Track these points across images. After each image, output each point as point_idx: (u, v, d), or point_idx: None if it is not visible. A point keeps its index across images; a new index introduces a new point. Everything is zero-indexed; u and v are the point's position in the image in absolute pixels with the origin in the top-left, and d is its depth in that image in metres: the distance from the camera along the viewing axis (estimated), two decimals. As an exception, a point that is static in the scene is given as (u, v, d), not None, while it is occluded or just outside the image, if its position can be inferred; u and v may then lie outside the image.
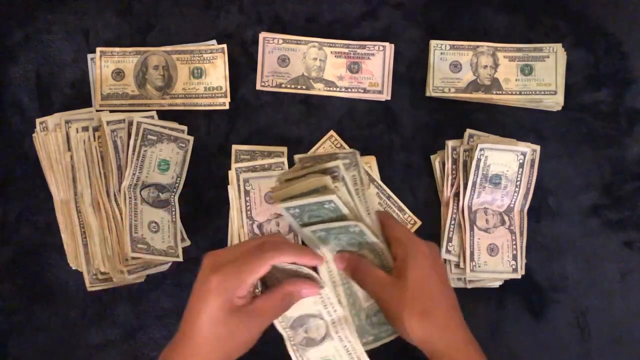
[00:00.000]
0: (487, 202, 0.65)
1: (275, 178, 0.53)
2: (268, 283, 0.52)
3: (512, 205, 0.66)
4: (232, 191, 0.66)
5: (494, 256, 0.65)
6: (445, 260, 0.66)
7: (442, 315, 0.50)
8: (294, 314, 0.52)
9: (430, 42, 0.70)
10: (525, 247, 0.66)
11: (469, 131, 0.67)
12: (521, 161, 0.65)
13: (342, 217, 0.49)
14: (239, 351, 0.48)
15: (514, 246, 0.65)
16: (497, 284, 0.66)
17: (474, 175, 0.64)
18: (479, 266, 0.64)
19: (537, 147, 0.67)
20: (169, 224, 0.65)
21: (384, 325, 0.55)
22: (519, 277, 0.65)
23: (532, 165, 0.66)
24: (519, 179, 0.65)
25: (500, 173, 0.64)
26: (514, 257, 0.65)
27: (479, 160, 0.64)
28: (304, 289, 0.50)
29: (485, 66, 0.69)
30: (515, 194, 0.65)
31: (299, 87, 0.69)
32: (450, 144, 0.66)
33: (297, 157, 0.54)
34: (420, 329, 0.49)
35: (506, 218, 0.66)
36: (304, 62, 0.69)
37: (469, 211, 0.65)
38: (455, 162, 0.66)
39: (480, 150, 0.63)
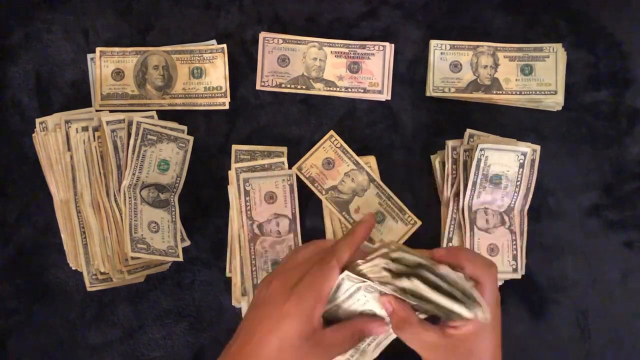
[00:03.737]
0: (487, 202, 0.65)
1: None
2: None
3: (512, 205, 0.66)
4: (232, 191, 0.66)
5: (494, 256, 0.65)
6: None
7: None
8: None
9: (430, 42, 0.70)
10: (526, 247, 0.66)
11: (469, 131, 0.67)
12: (521, 161, 0.65)
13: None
14: None
15: (514, 246, 0.65)
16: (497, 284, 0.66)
17: (474, 175, 0.64)
18: (479, 266, 0.64)
19: (537, 147, 0.67)
20: (169, 224, 0.65)
21: None
22: (519, 277, 0.65)
23: (532, 165, 0.66)
24: (519, 179, 0.65)
25: (501, 173, 0.64)
26: (514, 257, 0.65)
27: (479, 160, 0.64)
28: (375, 326, 0.49)
29: (486, 66, 0.69)
30: (516, 194, 0.65)
31: (299, 87, 0.69)
32: (450, 144, 0.66)
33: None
34: None
35: (506, 218, 0.66)
36: (304, 62, 0.69)
37: (469, 211, 0.65)
38: (455, 162, 0.66)
39: (481, 150, 0.63)
